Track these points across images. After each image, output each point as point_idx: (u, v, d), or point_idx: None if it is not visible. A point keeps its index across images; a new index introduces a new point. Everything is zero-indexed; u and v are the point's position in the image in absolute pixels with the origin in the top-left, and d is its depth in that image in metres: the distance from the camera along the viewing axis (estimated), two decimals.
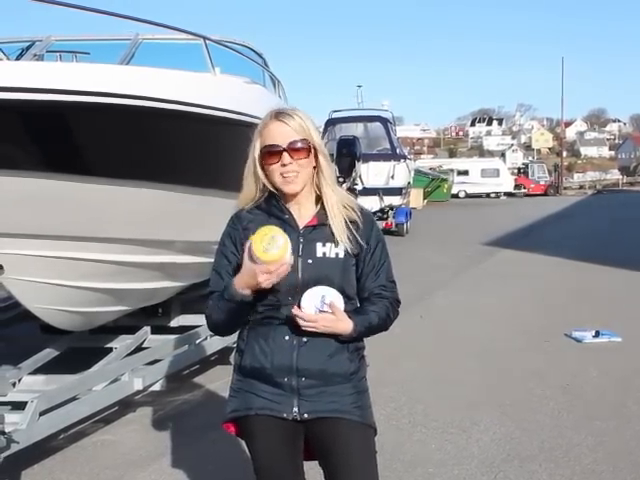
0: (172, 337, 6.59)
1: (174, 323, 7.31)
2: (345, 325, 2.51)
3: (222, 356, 7.07)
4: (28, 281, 4.81)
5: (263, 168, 2.56)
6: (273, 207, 2.59)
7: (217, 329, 2.64)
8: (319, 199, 2.61)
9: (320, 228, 2.57)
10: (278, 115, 2.54)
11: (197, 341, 6.59)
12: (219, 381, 6.52)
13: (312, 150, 2.54)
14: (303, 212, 2.60)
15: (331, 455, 2.59)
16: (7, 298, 6.90)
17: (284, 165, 2.50)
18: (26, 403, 4.51)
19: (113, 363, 5.73)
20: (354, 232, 2.57)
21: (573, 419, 5.62)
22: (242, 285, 2.41)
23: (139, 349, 6.31)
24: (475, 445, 5.12)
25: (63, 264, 4.93)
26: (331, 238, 2.56)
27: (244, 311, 2.51)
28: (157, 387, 6.08)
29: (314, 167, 2.57)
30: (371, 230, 2.64)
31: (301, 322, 2.45)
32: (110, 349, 6.25)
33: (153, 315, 7.17)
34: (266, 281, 2.36)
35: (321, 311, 2.46)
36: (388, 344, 7.63)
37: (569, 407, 5.90)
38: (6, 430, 4.25)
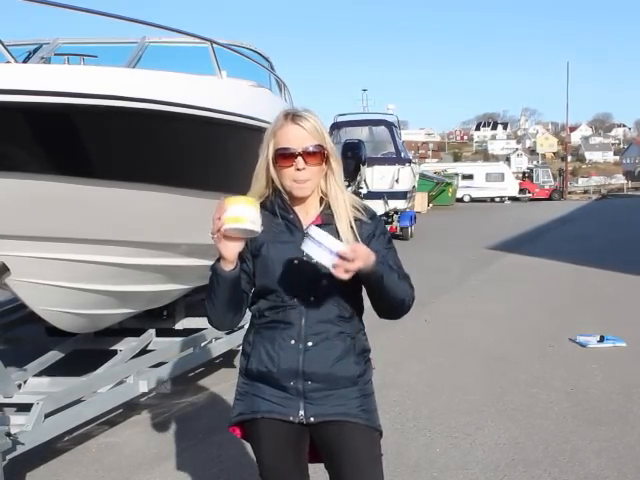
0: (177, 339, 6.59)
1: (179, 326, 7.31)
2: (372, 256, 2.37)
3: (227, 358, 7.08)
4: (34, 283, 4.82)
5: (275, 169, 2.54)
6: (278, 207, 2.58)
7: (210, 316, 2.56)
8: (322, 200, 2.60)
9: (324, 227, 2.52)
10: (294, 117, 2.51)
11: (202, 344, 6.58)
12: (224, 383, 6.53)
13: (325, 155, 2.53)
14: (307, 212, 2.59)
15: (337, 458, 2.59)
16: (13, 300, 6.91)
17: (297, 170, 2.48)
18: (32, 405, 4.52)
19: (118, 365, 5.74)
20: (359, 230, 2.56)
21: (578, 424, 5.62)
22: (221, 260, 2.39)
23: (144, 351, 6.31)
24: (480, 449, 5.12)
25: (69, 266, 4.93)
26: (335, 237, 2.53)
27: (230, 290, 2.44)
28: (162, 389, 6.09)
29: (323, 171, 2.55)
30: (376, 224, 2.63)
31: (344, 263, 2.29)
32: (115, 351, 6.25)
33: (158, 317, 7.17)
34: (219, 224, 2.29)
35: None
36: (393, 348, 7.67)
37: (574, 412, 5.89)
38: (12, 432, 4.24)
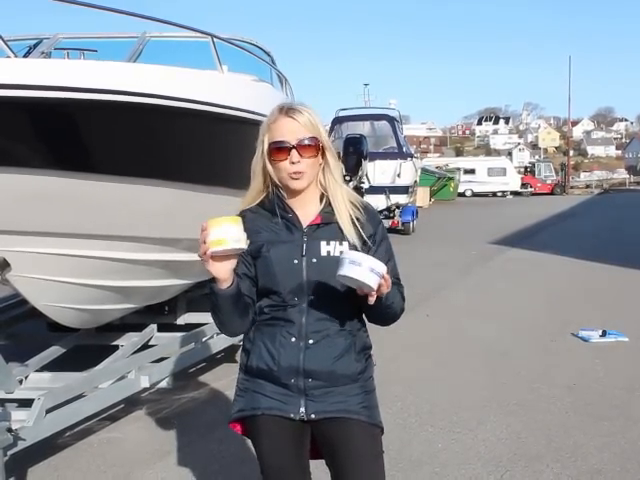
0: (178, 335, 6.59)
1: (180, 321, 7.30)
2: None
3: (228, 354, 7.08)
4: (35, 279, 4.82)
5: (270, 163, 2.52)
6: (277, 206, 2.56)
7: (219, 327, 2.56)
8: (323, 197, 2.58)
9: (324, 226, 2.54)
10: (288, 111, 2.50)
11: (203, 339, 6.59)
12: (225, 379, 6.52)
13: (320, 148, 2.52)
14: (307, 211, 2.57)
15: (338, 455, 2.58)
16: (14, 295, 6.90)
17: (292, 163, 2.47)
18: (33, 400, 4.52)
19: (119, 361, 5.74)
20: (359, 229, 2.54)
21: (580, 419, 5.61)
22: (216, 280, 2.34)
23: (145, 347, 6.31)
24: (482, 444, 5.12)
25: (70, 262, 4.93)
26: (335, 236, 2.53)
27: (232, 305, 2.40)
28: (164, 385, 6.09)
29: (320, 164, 2.55)
30: (377, 226, 2.61)
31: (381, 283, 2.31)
32: (116, 347, 6.26)
33: (159, 313, 7.17)
34: (205, 248, 2.22)
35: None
36: (395, 343, 7.66)
37: (576, 407, 5.89)
38: (13, 427, 4.25)
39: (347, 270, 2.28)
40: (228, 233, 2.23)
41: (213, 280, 2.35)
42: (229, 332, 2.61)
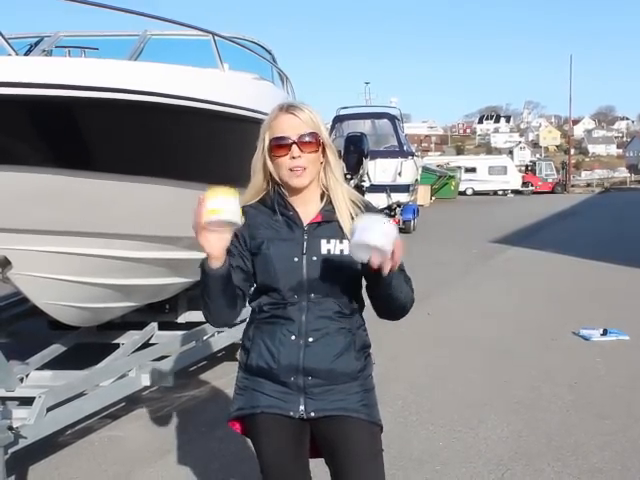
0: (179, 333, 6.58)
1: (181, 319, 7.30)
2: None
3: (229, 352, 7.07)
4: (36, 277, 4.82)
5: (271, 160, 2.52)
6: (278, 204, 2.56)
7: (206, 316, 2.51)
8: (323, 195, 2.58)
9: (325, 225, 2.54)
10: (289, 108, 2.50)
11: (204, 337, 6.58)
12: (226, 377, 6.52)
13: (321, 145, 2.51)
14: (308, 209, 2.57)
15: (337, 453, 2.57)
16: (15, 293, 6.90)
17: (293, 158, 2.46)
18: (34, 398, 4.51)
19: (120, 359, 5.73)
20: None
21: (581, 417, 5.61)
22: (208, 258, 2.30)
23: (146, 345, 6.31)
24: (483, 443, 5.11)
25: (71, 260, 4.93)
26: (336, 235, 2.52)
27: (221, 287, 2.35)
28: (164, 383, 6.08)
29: (321, 162, 2.55)
30: None
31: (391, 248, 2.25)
32: (117, 345, 6.26)
33: (160, 311, 7.17)
34: (199, 218, 2.20)
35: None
36: (396, 341, 7.66)
37: (577, 405, 5.88)
38: (14, 425, 4.25)
39: (360, 236, 2.20)
40: (225, 204, 2.21)
41: (205, 260, 2.32)
42: (215, 321, 2.55)
